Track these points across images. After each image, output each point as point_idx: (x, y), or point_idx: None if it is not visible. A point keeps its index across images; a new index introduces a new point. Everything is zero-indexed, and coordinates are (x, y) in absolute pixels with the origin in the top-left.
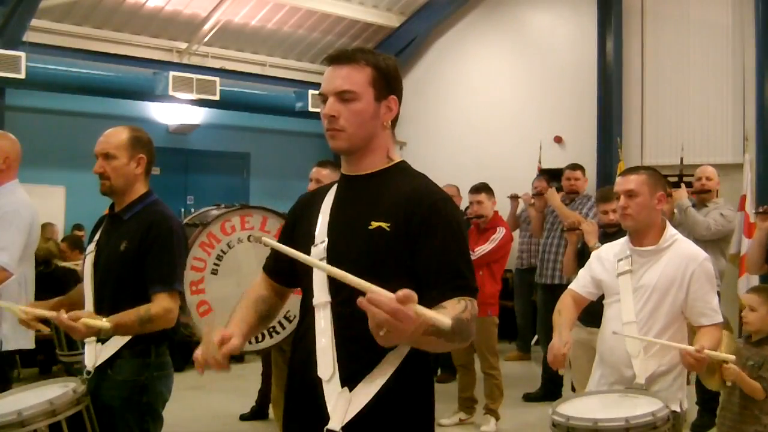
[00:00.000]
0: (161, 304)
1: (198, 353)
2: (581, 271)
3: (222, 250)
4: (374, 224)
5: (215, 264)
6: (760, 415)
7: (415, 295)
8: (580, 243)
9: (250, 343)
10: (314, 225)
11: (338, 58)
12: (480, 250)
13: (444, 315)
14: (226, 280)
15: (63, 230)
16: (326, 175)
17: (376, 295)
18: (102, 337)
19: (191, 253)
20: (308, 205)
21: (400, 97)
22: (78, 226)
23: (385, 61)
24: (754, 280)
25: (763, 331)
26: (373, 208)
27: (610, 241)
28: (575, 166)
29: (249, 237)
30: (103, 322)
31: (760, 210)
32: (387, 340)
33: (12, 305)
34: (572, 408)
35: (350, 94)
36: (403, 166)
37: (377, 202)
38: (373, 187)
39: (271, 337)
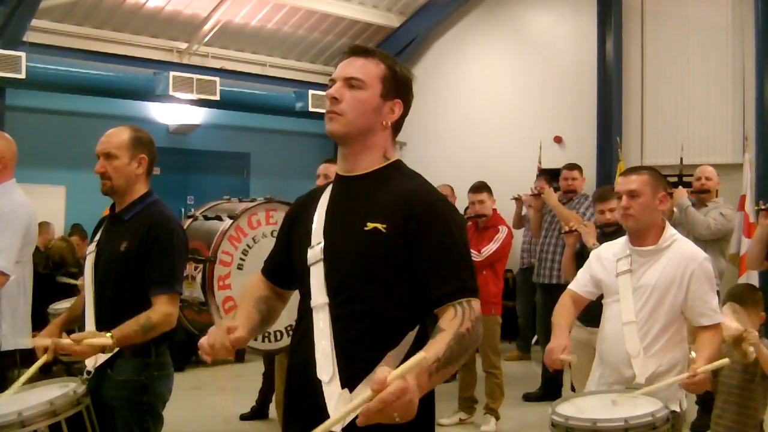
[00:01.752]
0: (161, 309)
1: (203, 341)
2: (580, 271)
3: (248, 245)
4: (370, 225)
5: (241, 259)
6: (755, 414)
7: (384, 373)
8: (578, 245)
9: (269, 341)
10: (310, 226)
11: (356, 51)
12: (486, 251)
13: (437, 341)
14: (250, 276)
15: (63, 230)
16: (335, 171)
17: (365, 412)
18: (107, 353)
19: (220, 247)
20: (304, 207)
21: (407, 106)
22: (76, 226)
23: (401, 68)
24: (754, 280)
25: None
26: (370, 208)
27: (608, 241)
28: (572, 166)
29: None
30: (106, 338)
31: (762, 207)
32: (407, 417)
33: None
34: (572, 408)
35: (358, 82)
36: (398, 165)
37: (373, 202)
38: (368, 188)
39: (289, 335)
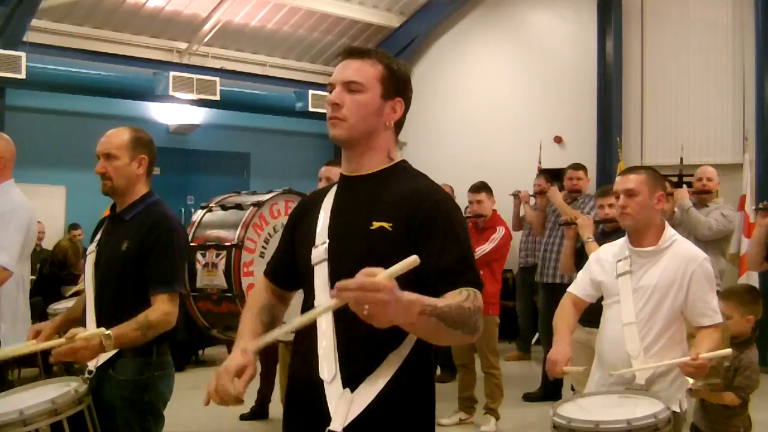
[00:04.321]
0: (160, 308)
1: (212, 387)
2: (580, 273)
3: (269, 234)
4: (376, 224)
5: (263, 247)
6: (733, 418)
7: (376, 270)
8: (579, 242)
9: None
10: (315, 226)
11: (353, 52)
12: (480, 250)
13: (439, 299)
14: None
15: (63, 230)
16: (337, 173)
17: (340, 284)
18: (107, 350)
19: (246, 234)
20: (308, 207)
21: (407, 103)
22: (74, 226)
23: (399, 65)
24: (754, 280)
25: (742, 335)
26: (375, 208)
27: (608, 241)
28: (578, 166)
29: None
30: (101, 330)
31: (760, 206)
32: (374, 318)
33: (14, 349)
34: (573, 409)
35: (357, 85)
36: (403, 166)
37: (378, 202)
38: (373, 187)
39: None
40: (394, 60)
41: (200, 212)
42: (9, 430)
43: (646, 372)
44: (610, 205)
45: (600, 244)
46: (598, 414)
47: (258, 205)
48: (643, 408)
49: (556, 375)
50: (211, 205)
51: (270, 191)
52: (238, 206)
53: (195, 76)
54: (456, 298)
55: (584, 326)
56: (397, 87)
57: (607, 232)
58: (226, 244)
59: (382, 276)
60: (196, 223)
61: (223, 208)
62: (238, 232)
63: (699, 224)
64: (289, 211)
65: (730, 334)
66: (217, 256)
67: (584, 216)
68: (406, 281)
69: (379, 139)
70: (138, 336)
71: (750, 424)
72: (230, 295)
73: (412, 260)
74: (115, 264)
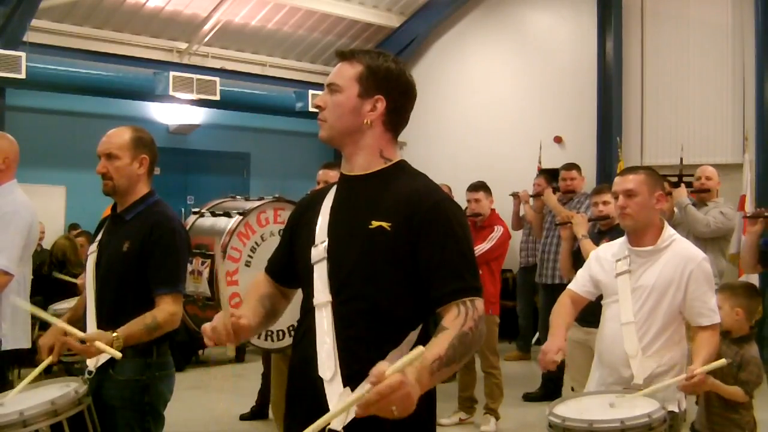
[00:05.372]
0: (166, 309)
1: (206, 325)
2: (580, 271)
3: (256, 242)
4: (375, 224)
5: (249, 256)
6: (738, 418)
7: (382, 366)
8: (576, 244)
9: (272, 340)
10: (314, 225)
11: (339, 55)
12: (478, 249)
13: (440, 340)
14: (257, 273)
15: (63, 230)
16: (334, 176)
17: (362, 402)
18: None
19: (230, 243)
20: (309, 207)
21: (395, 99)
22: (74, 226)
23: (385, 62)
24: (754, 280)
25: (735, 329)
26: (374, 207)
27: (603, 240)
28: (570, 166)
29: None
30: (113, 337)
31: (747, 215)
32: (405, 411)
33: (49, 316)
34: (569, 409)
35: (335, 86)
36: (402, 166)
37: (377, 201)
38: (372, 187)
39: (290, 335)
40: (379, 58)
41: (192, 217)
42: (9, 431)
43: (646, 370)
44: (605, 203)
45: (596, 244)
46: (593, 414)
47: (244, 213)
48: (639, 408)
49: (547, 366)
50: (202, 210)
51: (261, 198)
52: (227, 214)
53: (195, 76)
54: (455, 325)
55: (582, 326)
56: (378, 84)
57: (603, 231)
58: (210, 252)
59: (392, 370)
60: (187, 228)
61: (213, 214)
62: (221, 241)
63: (697, 222)
64: (278, 219)
65: (722, 329)
66: (202, 264)
67: (579, 214)
68: (405, 281)
69: (365, 137)
70: (144, 335)
71: (755, 424)
72: (212, 303)
73: (418, 352)
74: (116, 264)
